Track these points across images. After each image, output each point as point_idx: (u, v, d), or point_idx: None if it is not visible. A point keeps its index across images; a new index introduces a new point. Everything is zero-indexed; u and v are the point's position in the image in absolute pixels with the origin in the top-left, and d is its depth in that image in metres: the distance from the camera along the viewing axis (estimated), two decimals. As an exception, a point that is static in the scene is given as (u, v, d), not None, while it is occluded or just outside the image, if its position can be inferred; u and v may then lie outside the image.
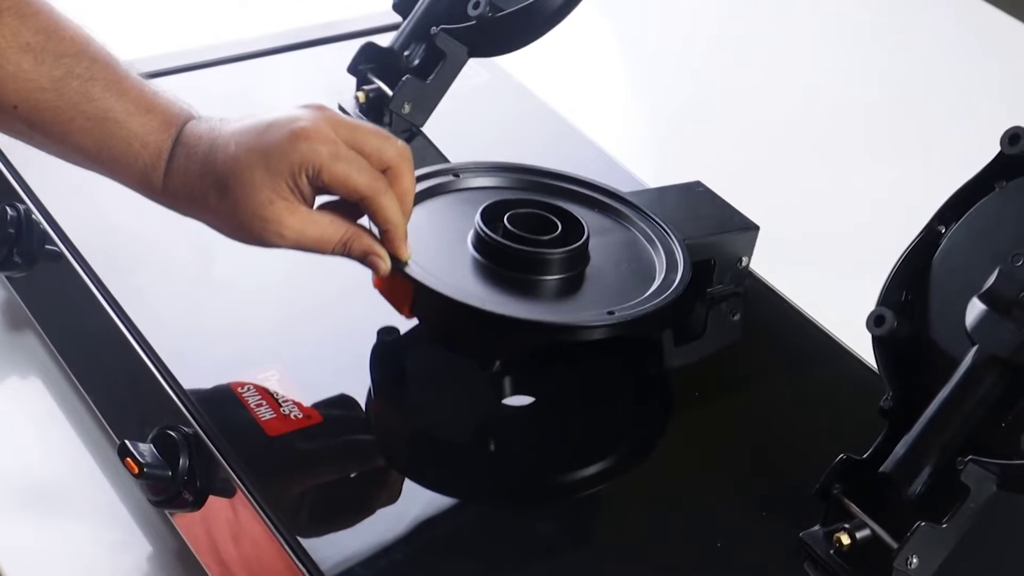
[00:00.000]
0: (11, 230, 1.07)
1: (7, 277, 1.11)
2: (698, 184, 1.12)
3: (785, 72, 1.59)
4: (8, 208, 1.07)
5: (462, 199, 1.04)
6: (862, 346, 0.97)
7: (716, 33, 1.67)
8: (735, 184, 1.14)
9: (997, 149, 0.87)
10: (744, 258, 1.08)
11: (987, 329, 0.83)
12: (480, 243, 0.98)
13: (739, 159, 1.41)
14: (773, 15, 1.70)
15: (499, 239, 0.98)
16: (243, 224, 0.89)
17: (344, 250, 0.92)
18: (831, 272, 1.24)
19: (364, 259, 0.92)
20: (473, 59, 1.18)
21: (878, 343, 0.88)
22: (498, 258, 0.98)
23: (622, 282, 1.00)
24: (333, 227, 0.91)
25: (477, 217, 0.99)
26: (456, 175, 1.05)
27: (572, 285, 0.98)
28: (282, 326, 1.02)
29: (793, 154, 1.45)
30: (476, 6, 1.13)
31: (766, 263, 1.10)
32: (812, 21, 1.70)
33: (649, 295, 0.98)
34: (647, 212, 1.05)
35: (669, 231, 1.04)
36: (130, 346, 0.97)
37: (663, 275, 1.00)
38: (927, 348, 0.87)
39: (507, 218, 0.99)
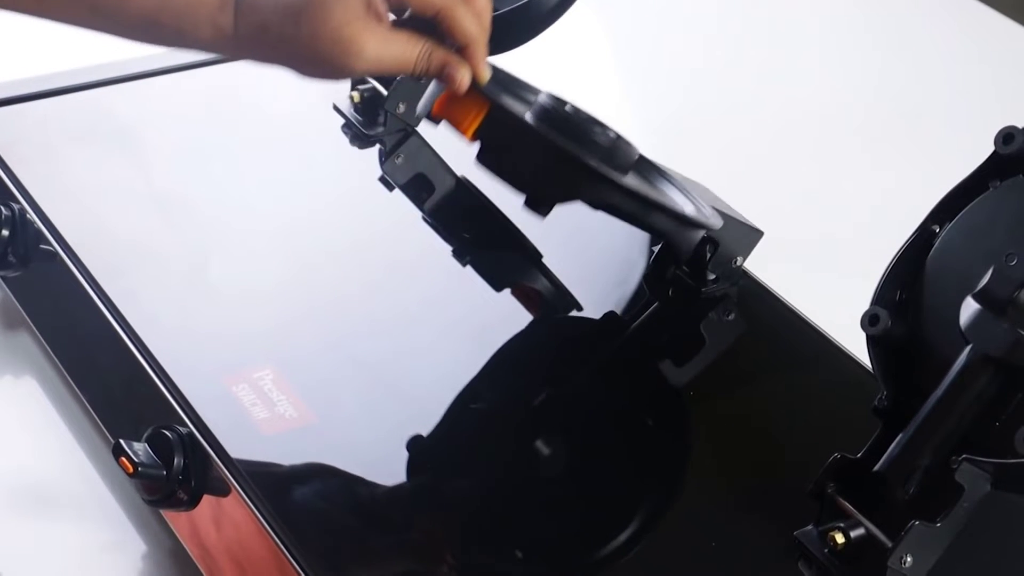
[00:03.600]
0: (5, 230, 1.07)
1: (1, 277, 1.10)
2: (702, 187, 1.12)
3: (781, 75, 1.59)
4: (2, 207, 1.07)
5: (511, 100, 1.03)
6: (856, 345, 0.97)
7: (713, 35, 1.67)
8: (731, 185, 1.14)
9: (991, 149, 0.87)
10: (739, 257, 1.09)
11: (981, 328, 0.83)
12: (544, 113, 0.98)
13: (734, 160, 1.41)
14: (771, 17, 1.70)
15: (568, 110, 0.97)
16: (321, 53, 0.88)
17: (426, 65, 0.90)
18: (825, 272, 1.24)
19: (442, 72, 0.91)
20: (468, 59, 1.18)
21: (872, 342, 0.88)
22: (565, 128, 0.97)
23: (664, 200, 1.01)
24: (411, 43, 0.90)
25: (542, 94, 0.99)
26: (502, 84, 1.04)
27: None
28: (277, 325, 1.01)
29: (788, 155, 1.45)
30: (471, 6, 1.13)
31: (761, 263, 1.10)
32: (809, 24, 1.70)
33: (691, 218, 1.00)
34: (669, 174, 1.07)
35: (690, 192, 1.05)
36: (125, 345, 0.97)
37: (697, 210, 1.02)
38: (921, 347, 0.87)
39: (567, 107, 0.99)
